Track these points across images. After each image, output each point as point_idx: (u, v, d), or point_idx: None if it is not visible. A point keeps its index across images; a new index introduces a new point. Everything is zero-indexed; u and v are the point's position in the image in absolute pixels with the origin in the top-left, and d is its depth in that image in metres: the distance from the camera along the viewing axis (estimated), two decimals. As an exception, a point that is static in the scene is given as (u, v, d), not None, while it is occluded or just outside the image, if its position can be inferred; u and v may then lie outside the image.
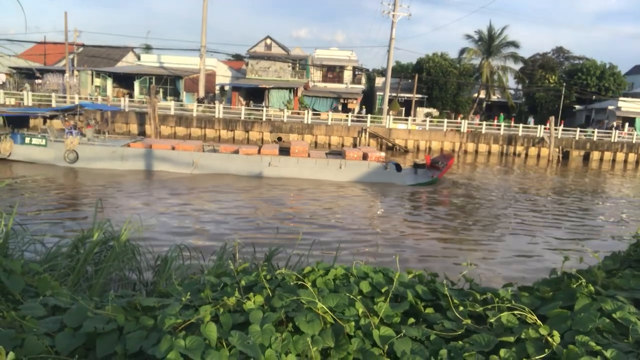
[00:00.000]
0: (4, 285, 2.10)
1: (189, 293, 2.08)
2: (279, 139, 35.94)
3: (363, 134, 36.55)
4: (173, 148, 22.15)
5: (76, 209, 15.00)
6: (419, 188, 21.69)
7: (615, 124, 44.23)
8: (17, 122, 23.25)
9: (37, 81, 46.18)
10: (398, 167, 22.70)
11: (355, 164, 22.24)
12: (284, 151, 22.92)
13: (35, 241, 4.17)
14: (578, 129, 40.60)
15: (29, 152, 21.55)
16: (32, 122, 26.42)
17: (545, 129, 38.67)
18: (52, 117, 25.38)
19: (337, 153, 24.72)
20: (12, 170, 20.08)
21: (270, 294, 2.16)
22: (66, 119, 23.99)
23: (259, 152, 22.36)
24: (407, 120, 40.01)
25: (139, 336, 1.78)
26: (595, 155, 38.47)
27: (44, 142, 21.61)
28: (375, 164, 22.20)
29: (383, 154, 23.66)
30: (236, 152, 22.43)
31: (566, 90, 49.82)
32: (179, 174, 21.08)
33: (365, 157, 22.62)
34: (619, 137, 39.26)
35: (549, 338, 1.82)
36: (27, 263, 2.62)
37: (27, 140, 21.69)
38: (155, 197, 17.02)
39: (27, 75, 47.16)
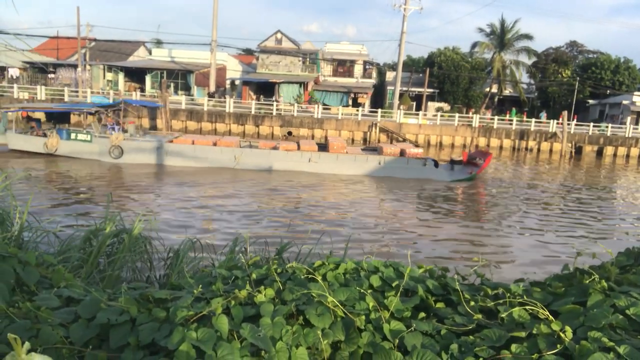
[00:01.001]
0: (20, 277, 2.13)
1: (200, 286, 2.10)
2: (289, 133, 35.96)
3: (373, 128, 36.44)
4: (214, 144, 22.36)
5: (122, 203, 15.21)
6: (457, 184, 21.66)
7: (629, 118, 43.61)
8: (59, 118, 23.55)
9: (50, 76, 46.62)
10: (436, 164, 22.71)
11: (394, 160, 22.30)
12: (322, 147, 23.04)
13: (50, 233, 4.22)
14: (591, 124, 40.10)
15: (75, 147, 21.83)
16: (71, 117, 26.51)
17: (557, 123, 38.24)
18: (95, 113, 25.62)
19: (372, 149, 24.78)
20: (59, 165, 20.34)
21: (281, 287, 2.17)
22: (108, 114, 24.19)
23: (298, 148, 22.45)
24: (418, 114, 39.79)
25: (152, 328, 1.79)
26: (609, 150, 37.96)
27: (89, 137, 21.86)
28: (414, 160, 22.25)
29: (420, 150, 23.65)
30: (276, 148, 22.57)
31: (580, 84, 49.18)
32: (221, 169, 21.31)
33: (402, 153, 22.66)
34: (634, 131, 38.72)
35: (561, 334, 1.81)
36: (41, 255, 2.65)
37: (72, 136, 21.97)
38: (194, 192, 17.16)
39: (40, 69, 47.63)
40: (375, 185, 20.35)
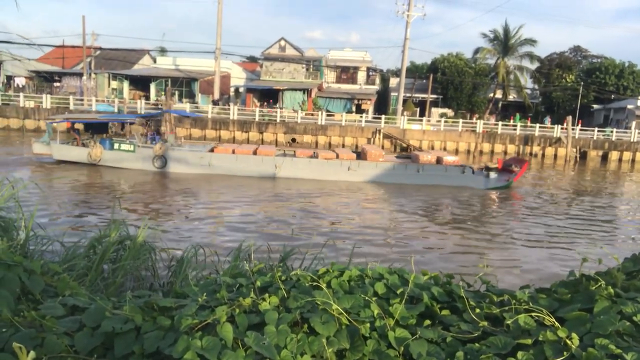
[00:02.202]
0: (25, 285, 2.14)
1: (205, 293, 2.10)
2: (293, 140, 36.01)
3: (377, 134, 36.45)
4: (254, 153, 22.55)
5: (163, 211, 15.40)
6: (495, 192, 21.67)
7: (634, 123, 43.44)
8: (97, 129, 23.73)
9: (56, 84, 46.96)
10: (473, 171, 22.71)
11: (433, 167, 22.36)
12: (359, 155, 23.15)
13: (55, 241, 4.24)
14: (596, 129, 39.96)
15: (118, 157, 21.96)
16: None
17: (562, 128, 38.14)
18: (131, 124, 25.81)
19: (406, 157, 24.85)
20: (102, 175, 20.50)
21: (286, 295, 2.17)
22: (149, 124, 24.44)
23: (337, 157, 22.51)
24: (421, 120, 39.79)
25: (156, 336, 1.79)
26: (614, 155, 37.81)
27: (132, 147, 22.00)
28: (453, 168, 22.30)
29: (456, 157, 23.64)
30: (314, 156, 22.67)
31: (584, 89, 49.07)
32: (261, 178, 21.48)
33: (439, 160, 22.71)
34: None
35: (567, 341, 1.80)
36: (46, 263, 2.66)
37: (115, 146, 22.12)
38: (235, 200, 17.33)
39: (46, 78, 48.00)
40: (416, 193, 20.29)
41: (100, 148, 21.73)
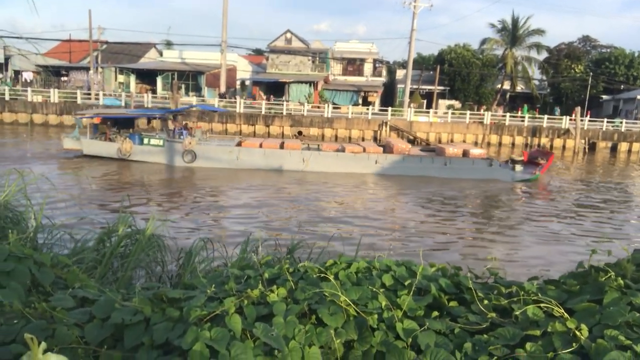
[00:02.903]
0: (35, 278, 2.16)
1: (213, 285, 2.11)
2: (300, 133, 35.98)
3: (384, 127, 36.33)
4: (281, 147, 22.65)
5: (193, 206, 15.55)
6: (522, 184, 21.60)
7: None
8: (123, 124, 23.92)
9: (63, 79, 47.16)
10: (499, 164, 22.63)
11: (460, 160, 22.32)
12: (385, 149, 23.15)
13: (65, 234, 4.27)
14: (605, 120, 39.57)
15: (147, 152, 22.17)
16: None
17: (570, 120, 37.80)
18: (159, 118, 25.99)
19: (430, 150, 24.80)
20: (132, 169, 20.75)
21: (294, 287, 2.17)
22: (176, 119, 24.63)
23: (364, 150, 22.53)
24: (428, 112, 39.59)
25: (165, 327, 1.81)
26: (624, 146, 37.45)
27: (161, 142, 22.20)
28: (480, 161, 22.24)
29: (482, 150, 23.55)
30: (341, 150, 22.70)
31: (593, 80, 48.55)
32: (289, 172, 21.57)
33: (465, 153, 22.65)
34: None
35: (576, 332, 1.79)
36: (56, 256, 2.69)
37: (145, 140, 22.33)
38: (263, 194, 17.44)
39: (53, 73, 48.19)
40: (441, 187, 20.20)
41: (130, 143, 21.89)
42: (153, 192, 17.04)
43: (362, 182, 20.50)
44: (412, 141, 36.37)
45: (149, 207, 14.37)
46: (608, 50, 55.10)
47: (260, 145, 22.62)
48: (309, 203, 16.25)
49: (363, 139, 35.60)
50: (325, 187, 19.08)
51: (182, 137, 22.51)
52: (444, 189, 19.56)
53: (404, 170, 21.87)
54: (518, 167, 22.64)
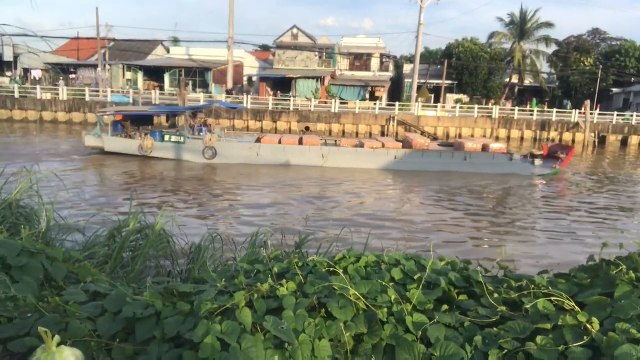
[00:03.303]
0: (48, 272, 2.18)
1: (223, 279, 2.12)
2: (307, 128, 35.97)
3: (391, 122, 36.22)
4: (300, 142, 22.70)
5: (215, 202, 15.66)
6: (543, 179, 21.49)
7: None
8: (141, 121, 24.14)
9: (72, 76, 47.46)
10: (520, 159, 22.54)
11: (481, 155, 22.16)
12: (404, 144, 23.10)
13: (76, 230, 4.31)
14: (615, 113, 39.15)
15: (169, 149, 22.30)
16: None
17: (580, 113, 37.46)
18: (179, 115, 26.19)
19: (449, 145, 24.73)
20: (153, 166, 20.92)
21: (303, 281, 2.18)
22: (197, 116, 24.82)
23: (383, 146, 22.54)
24: (436, 107, 39.40)
25: (177, 321, 1.82)
26: (634, 139, 37.05)
27: (182, 139, 22.30)
28: (501, 155, 22.10)
29: (502, 145, 23.50)
30: (360, 146, 22.73)
31: (603, 73, 48.02)
32: (308, 168, 21.59)
33: (485, 148, 22.54)
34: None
35: (588, 325, 1.78)
36: (68, 251, 2.71)
37: (166, 137, 22.46)
38: (282, 190, 17.47)
39: (62, 70, 48.50)
40: (461, 181, 20.09)
41: (151, 140, 22.06)
42: (172, 188, 17.19)
43: (382, 178, 20.46)
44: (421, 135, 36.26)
45: (166, 202, 14.52)
46: (618, 43, 54.46)
47: (280, 142, 22.63)
48: (327, 199, 16.20)
49: (370, 134, 35.53)
50: (345, 183, 19.09)
51: (202, 134, 22.64)
52: (463, 184, 19.47)
53: (424, 165, 21.77)
54: (537, 162, 22.39)
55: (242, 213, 13.93)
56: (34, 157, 20.72)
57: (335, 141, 24.18)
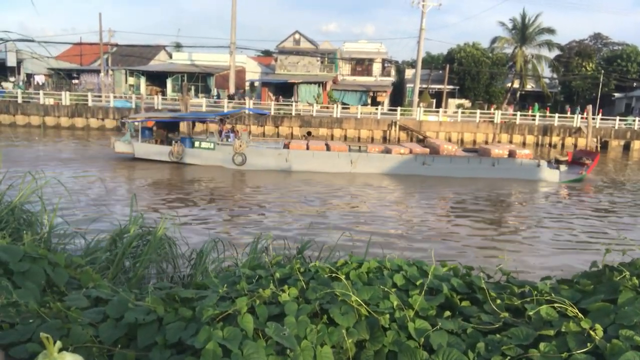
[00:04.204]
0: (50, 278, 2.18)
1: (225, 285, 2.11)
2: (309, 133, 36.00)
3: (393, 127, 36.23)
4: (327, 148, 22.80)
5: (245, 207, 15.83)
6: (569, 185, 21.54)
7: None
8: (169, 127, 24.33)
9: (74, 81, 47.65)
10: (547, 165, 22.56)
11: (509, 161, 22.27)
12: (432, 150, 23.21)
13: (77, 235, 4.32)
14: (617, 118, 39.12)
15: (199, 155, 22.51)
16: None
17: (582, 118, 37.43)
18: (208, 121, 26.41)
19: (473, 151, 24.86)
20: (184, 172, 21.14)
21: (305, 286, 2.18)
22: (224, 122, 25.01)
23: (410, 152, 22.58)
24: (438, 112, 39.42)
25: (178, 327, 1.82)
26: (637, 144, 37.03)
27: (212, 145, 22.50)
28: (528, 161, 22.20)
29: (528, 151, 23.56)
30: (387, 151, 22.80)
31: (604, 77, 48.01)
32: (337, 174, 21.69)
33: (511, 154, 22.63)
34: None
35: (591, 332, 1.77)
36: (70, 256, 2.72)
37: (196, 144, 22.68)
38: (315, 196, 17.56)
39: (66, 75, 48.72)
40: (487, 187, 20.20)
41: (181, 146, 22.24)
42: (201, 193, 17.42)
43: (410, 184, 20.48)
44: (422, 140, 36.25)
45: (190, 208, 14.81)
46: (620, 47, 54.49)
47: (307, 148, 22.76)
48: (355, 205, 16.22)
49: (372, 139, 35.55)
50: (372, 189, 19.20)
51: (229, 139, 22.88)
52: (488, 190, 19.59)
53: (452, 171, 21.79)
54: (562, 167, 22.49)
55: (262, 219, 13.90)
56: (64, 162, 21.35)
57: (359, 147, 24.23)
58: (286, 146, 23.02)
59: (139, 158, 22.40)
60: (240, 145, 21.94)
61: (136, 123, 23.17)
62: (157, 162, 22.12)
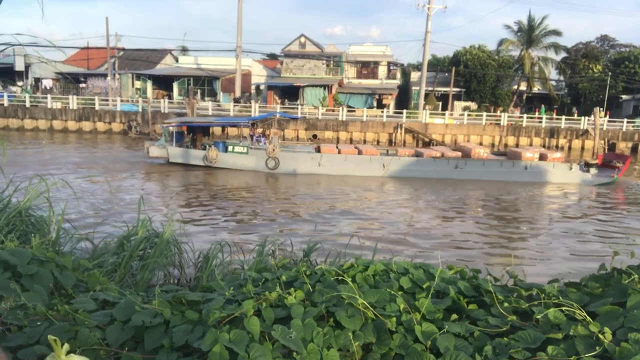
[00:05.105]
0: (57, 281, 2.20)
1: (231, 288, 2.12)
2: (314, 136, 36.02)
3: (399, 129, 36.19)
4: (359, 152, 22.91)
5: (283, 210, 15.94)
6: (601, 188, 21.50)
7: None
8: (201, 131, 24.61)
9: (82, 85, 47.98)
10: (579, 168, 22.59)
11: (541, 164, 22.27)
12: (463, 154, 23.21)
13: (85, 239, 4.34)
14: (625, 120, 38.86)
15: (232, 159, 22.67)
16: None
17: (589, 120, 37.23)
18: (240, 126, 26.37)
19: (502, 154, 24.81)
20: (218, 176, 21.34)
21: (311, 289, 2.18)
22: (256, 127, 25.20)
23: (442, 155, 22.62)
24: (444, 114, 39.33)
25: (185, 330, 1.82)
26: (645, 146, 36.73)
27: (245, 150, 22.66)
28: (560, 164, 22.24)
29: (560, 154, 23.59)
30: (419, 155, 22.84)
31: (612, 79, 47.71)
32: (369, 177, 21.76)
33: (542, 157, 22.64)
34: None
35: (600, 335, 1.76)
36: (77, 259, 2.73)
37: (229, 148, 22.87)
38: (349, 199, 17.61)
39: (74, 79, 49.06)
40: (518, 191, 20.15)
41: (215, 150, 22.39)
42: (235, 196, 17.65)
43: (441, 187, 20.37)
44: (428, 143, 36.18)
45: (223, 212, 14.96)
46: (627, 49, 54.15)
47: (339, 151, 22.81)
48: (388, 211, 16.11)
49: (378, 142, 35.50)
50: (405, 193, 19.27)
51: (260, 144, 23.05)
52: (519, 193, 19.59)
53: (485, 174, 21.77)
54: (592, 171, 22.44)
55: (293, 224, 13.90)
56: (103, 166, 21.79)
57: (387, 151, 24.16)
58: (318, 150, 23.06)
59: (173, 162, 22.60)
60: (274, 150, 22.05)
61: (170, 128, 23.38)
62: (191, 166, 22.32)
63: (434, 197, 18.60)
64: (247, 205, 16.15)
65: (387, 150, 24.36)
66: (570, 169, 22.02)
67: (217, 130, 30.40)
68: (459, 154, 22.92)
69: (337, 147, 23.63)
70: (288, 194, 18.71)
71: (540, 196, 19.66)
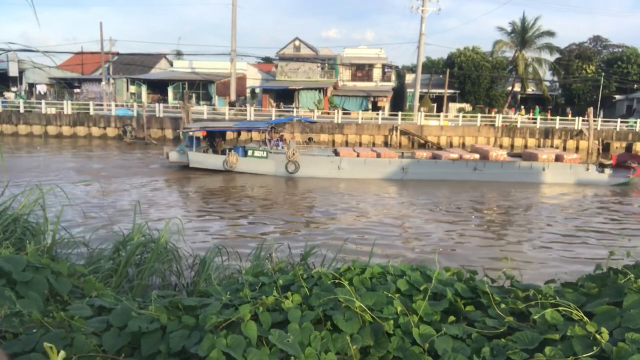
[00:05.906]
0: (53, 287, 2.18)
1: (228, 292, 2.11)
2: (310, 139, 36.02)
3: (394, 131, 36.25)
4: (378, 155, 22.93)
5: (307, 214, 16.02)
6: (616, 188, 21.65)
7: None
8: (218, 137, 24.55)
9: (76, 90, 47.82)
10: (596, 169, 22.71)
11: (559, 166, 22.43)
12: (481, 156, 23.24)
13: (81, 244, 4.32)
14: (619, 120, 39.10)
15: (252, 164, 22.62)
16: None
17: (583, 120, 37.42)
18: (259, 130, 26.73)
19: (517, 155, 24.90)
20: (238, 180, 21.35)
21: (308, 293, 2.17)
22: (275, 131, 25.21)
23: (460, 157, 22.65)
24: (439, 116, 39.43)
25: (182, 335, 1.81)
26: (638, 146, 36.95)
27: (265, 154, 22.62)
28: (577, 165, 22.40)
29: (576, 155, 23.71)
30: (437, 157, 22.83)
31: (605, 80, 48.00)
32: (387, 180, 21.76)
33: (558, 158, 22.75)
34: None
35: (597, 335, 1.76)
36: (73, 265, 2.71)
37: (249, 153, 22.81)
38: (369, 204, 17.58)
39: (67, 85, 48.89)
40: (536, 191, 20.35)
41: (235, 155, 22.37)
42: (252, 201, 17.73)
43: (460, 189, 20.39)
44: (423, 145, 36.23)
45: (243, 217, 15.00)
46: (620, 49, 54.51)
47: (358, 155, 22.85)
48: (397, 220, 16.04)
49: (374, 144, 35.51)
50: (424, 196, 19.21)
51: (278, 148, 23.05)
52: (536, 194, 19.77)
53: (503, 176, 21.86)
54: (607, 171, 22.58)
55: (298, 227, 13.90)
56: (126, 172, 21.81)
57: (402, 153, 24.09)
58: (336, 154, 23.05)
59: (193, 167, 22.56)
60: (294, 154, 22.03)
61: (190, 133, 23.34)
62: (211, 171, 22.31)
63: (457, 199, 18.58)
64: (262, 210, 16.18)
65: (403, 153, 24.31)
66: (587, 169, 22.21)
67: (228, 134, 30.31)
68: (477, 156, 22.97)
69: (354, 151, 23.63)
70: (308, 198, 18.70)
71: (560, 196, 19.81)
